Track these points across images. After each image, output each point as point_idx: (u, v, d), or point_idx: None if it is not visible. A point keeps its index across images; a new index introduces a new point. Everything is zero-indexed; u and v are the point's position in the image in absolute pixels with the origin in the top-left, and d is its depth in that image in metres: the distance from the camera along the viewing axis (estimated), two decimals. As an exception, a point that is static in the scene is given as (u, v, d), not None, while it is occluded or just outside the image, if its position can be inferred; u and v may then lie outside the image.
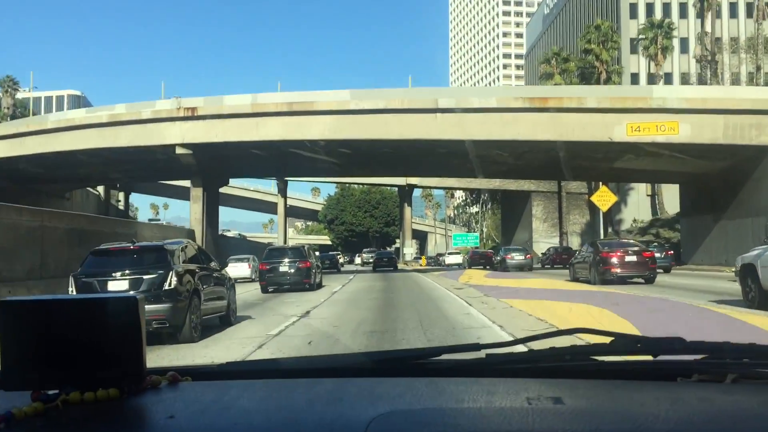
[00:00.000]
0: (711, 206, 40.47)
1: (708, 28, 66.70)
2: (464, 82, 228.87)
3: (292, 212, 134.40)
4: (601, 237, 51.63)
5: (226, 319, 14.56)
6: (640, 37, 70.48)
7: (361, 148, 40.16)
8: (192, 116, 40.71)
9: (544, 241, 75.51)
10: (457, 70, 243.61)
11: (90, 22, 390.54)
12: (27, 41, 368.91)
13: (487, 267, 52.48)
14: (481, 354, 1.90)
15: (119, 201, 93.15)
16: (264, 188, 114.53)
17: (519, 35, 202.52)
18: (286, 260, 27.36)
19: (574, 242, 75.91)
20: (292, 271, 27.12)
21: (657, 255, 28.97)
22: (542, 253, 61.77)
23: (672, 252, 41.13)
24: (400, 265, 72.75)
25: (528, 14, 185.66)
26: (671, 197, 66.03)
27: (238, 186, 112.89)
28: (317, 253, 73.57)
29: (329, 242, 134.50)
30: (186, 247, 13.56)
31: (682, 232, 47.90)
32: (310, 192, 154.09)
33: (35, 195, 49.18)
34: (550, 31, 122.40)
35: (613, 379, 1.78)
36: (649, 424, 1.38)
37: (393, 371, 1.91)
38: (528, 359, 1.98)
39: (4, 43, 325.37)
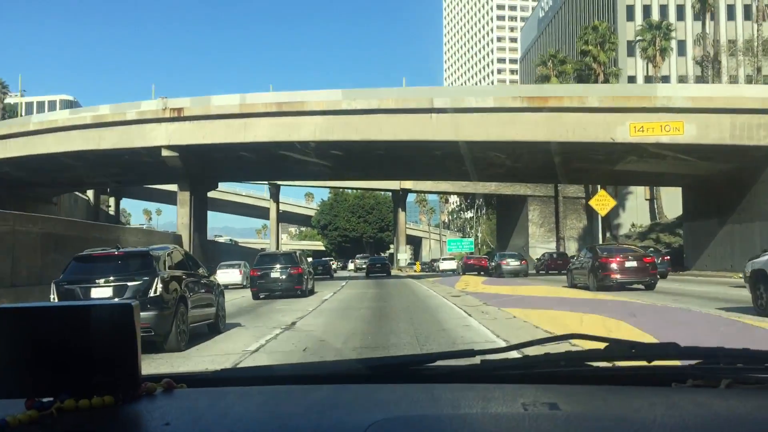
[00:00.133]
0: (716, 210, 39.10)
1: (708, 30, 65.58)
2: (459, 86, 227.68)
3: (285, 218, 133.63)
4: (600, 242, 50.51)
5: (215, 327, 14.24)
6: (638, 38, 69.31)
7: (354, 150, 38.73)
8: (178, 117, 39.27)
9: (540, 246, 74.40)
10: (452, 74, 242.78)
11: (82, 26, 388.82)
12: (19, 46, 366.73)
13: (481, 273, 51.86)
14: (476, 360, 1.95)
15: (109, 206, 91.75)
16: (256, 193, 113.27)
17: (513, 39, 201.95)
18: (278, 266, 27.05)
19: (572, 247, 74.80)
20: (284, 277, 26.80)
21: (653, 260, 27.63)
22: (537, 259, 60.63)
23: (668, 257, 39.94)
24: (394, 271, 71.94)
25: (522, 18, 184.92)
26: (670, 201, 65.02)
27: (230, 191, 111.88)
28: (310, 259, 73.09)
29: (323, 248, 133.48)
30: (172, 252, 13.28)
31: (684, 236, 46.51)
32: (303, 197, 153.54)
33: (20, 200, 47.65)
34: (545, 35, 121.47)
35: (609, 385, 1.80)
36: (645, 430, 1.40)
37: (388, 378, 1.90)
38: (523, 365, 1.89)
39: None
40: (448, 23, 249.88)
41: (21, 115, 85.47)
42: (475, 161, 38.78)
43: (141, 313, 9.45)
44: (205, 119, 38.82)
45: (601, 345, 1.85)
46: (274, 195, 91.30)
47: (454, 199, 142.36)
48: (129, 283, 11.57)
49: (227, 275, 39.37)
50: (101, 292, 11.51)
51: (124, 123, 40.66)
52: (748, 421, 1.48)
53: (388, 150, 38.28)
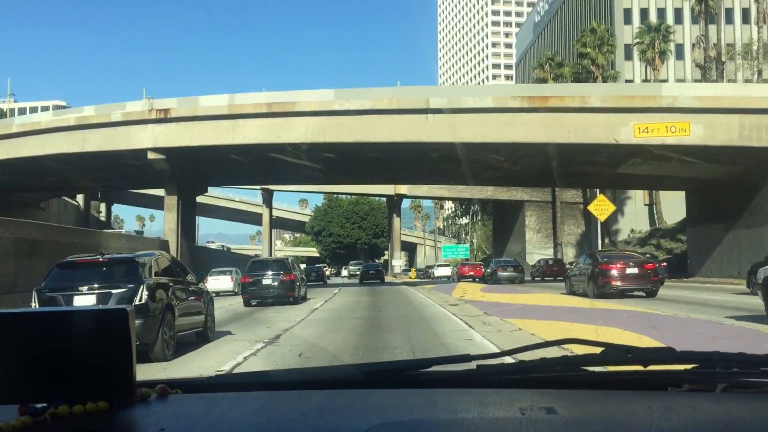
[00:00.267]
0: (722, 214, 37.75)
1: (709, 32, 64.47)
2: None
3: (278, 224, 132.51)
4: (599, 248, 49.39)
5: (204, 336, 13.89)
6: (637, 41, 68.22)
7: (347, 152, 37.32)
8: (165, 118, 37.86)
9: (537, 252, 73.21)
10: (447, 80, 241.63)
11: (73, 31, 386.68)
12: (10, 52, 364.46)
13: (476, 280, 51.15)
14: (472, 365, 1.92)
15: (100, 212, 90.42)
16: (250, 199, 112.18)
17: (508, 45, 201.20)
18: (270, 273, 26.59)
19: (569, 253, 73.65)
20: (276, 284, 26.31)
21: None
22: (533, 266, 59.65)
23: (665, 264, 38.76)
24: (389, 278, 70.76)
25: (517, 24, 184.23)
26: (670, 206, 63.87)
27: (223, 197, 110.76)
28: (303, 266, 72.10)
29: (317, 254, 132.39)
30: (158, 259, 12.96)
31: (688, 242, 45.13)
32: (297, 203, 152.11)
33: (6, 205, 46.38)
34: (541, 39, 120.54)
35: (605, 389, 1.79)
36: None
37: (384, 383, 1.91)
38: (519, 370, 1.93)
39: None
40: (443, 29, 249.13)
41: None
42: (472, 164, 37.44)
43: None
44: (193, 120, 37.43)
45: (597, 350, 1.86)
46: (267, 201, 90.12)
47: (449, 205, 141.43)
48: (113, 291, 11.28)
49: (218, 282, 38.91)
50: (84, 299, 11.24)
51: (109, 125, 39.31)
52: (745, 425, 1.48)
53: (383, 152, 36.91)
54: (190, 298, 13.36)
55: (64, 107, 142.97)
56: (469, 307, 21.06)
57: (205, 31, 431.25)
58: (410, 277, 76.74)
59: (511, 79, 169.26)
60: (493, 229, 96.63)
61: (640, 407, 1.61)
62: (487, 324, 15.50)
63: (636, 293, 24.11)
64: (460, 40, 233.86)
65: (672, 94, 31.58)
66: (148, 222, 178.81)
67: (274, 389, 1.93)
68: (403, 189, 78.12)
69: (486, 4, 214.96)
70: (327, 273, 73.49)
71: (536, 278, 52.46)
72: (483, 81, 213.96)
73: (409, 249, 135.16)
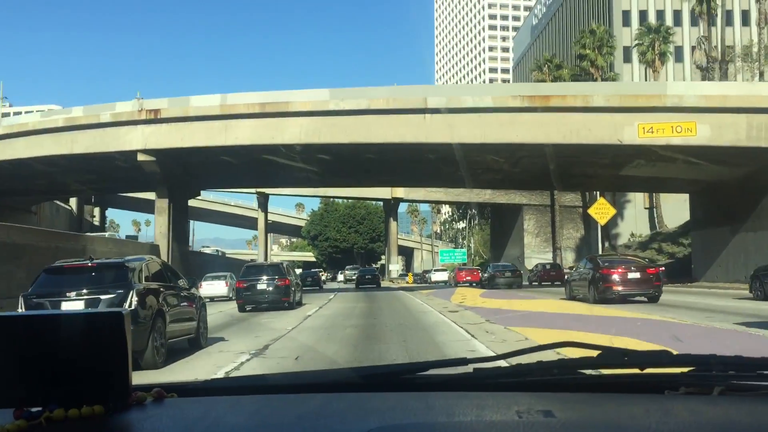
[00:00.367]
0: (727, 217, 36.68)
1: (711, 33, 63.58)
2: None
3: (274, 228, 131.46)
4: (599, 252, 48.49)
5: (196, 342, 13.63)
6: (637, 42, 67.33)
7: (342, 153, 36.26)
8: (155, 119, 36.81)
9: (536, 256, 72.29)
10: (444, 84, 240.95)
11: (66, 35, 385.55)
12: (6, 55, 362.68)
13: (473, 285, 50.49)
14: (469, 368, 1.93)
15: (94, 216, 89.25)
16: (245, 203, 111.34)
17: (505, 49, 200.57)
18: (264, 278, 26.33)
19: (569, 258, 72.77)
20: (270, 289, 26.06)
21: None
22: (530, 270, 58.85)
23: (663, 268, 37.78)
24: (386, 283, 69.89)
25: (514, 28, 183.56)
26: (671, 210, 63.03)
27: (218, 201, 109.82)
28: (299, 271, 71.23)
29: (313, 259, 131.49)
30: (149, 263, 12.73)
31: (692, 246, 44.05)
32: (294, 207, 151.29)
33: (-4, 209, 45.51)
34: (538, 42, 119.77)
35: (602, 392, 1.80)
36: None
37: (381, 386, 1.90)
38: (516, 373, 1.90)
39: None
40: (440, 33, 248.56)
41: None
42: (471, 166, 36.43)
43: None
44: (184, 121, 36.39)
45: (594, 353, 1.85)
46: (263, 205, 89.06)
47: (446, 210, 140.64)
48: (102, 297, 11.04)
49: (213, 287, 38.63)
50: (72, 305, 10.89)
51: (98, 126, 38.27)
52: (741, 428, 1.49)
53: (379, 154, 35.85)
54: (181, 304, 13.05)
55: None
56: (470, 314, 20.04)
57: (198, 32, 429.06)
58: (407, 282, 75.82)
59: (509, 83, 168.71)
60: (491, 234, 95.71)
61: (638, 410, 1.62)
62: (490, 333, 14.49)
63: (637, 298, 23.57)
64: (457, 45, 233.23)
65: (677, 93, 30.55)
66: (144, 227, 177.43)
67: (270, 393, 1.91)
68: (399, 192, 77.25)
69: (483, 8, 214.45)
70: (323, 278, 72.84)
71: (534, 283, 51.91)
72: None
73: (406, 253, 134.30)
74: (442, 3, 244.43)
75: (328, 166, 39.34)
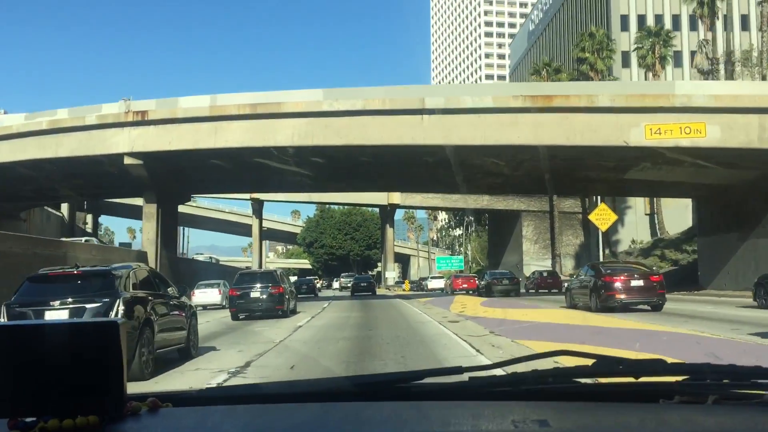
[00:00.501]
0: (736, 223, 35.31)
1: (710, 36, 62.50)
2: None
3: (270, 235, 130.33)
4: (599, 259, 47.26)
5: (186, 352, 13.30)
6: (637, 46, 66.21)
7: (337, 156, 34.89)
8: (142, 121, 35.46)
9: (535, 263, 71.01)
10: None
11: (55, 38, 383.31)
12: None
13: (470, 292, 50.00)
14: (464, 377, 1.94)
15: (86, 224, 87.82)
16: (240, 210, 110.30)
17: (501, 56, 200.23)
18: (258, 285, 26.01)
19: (568, 265, 71.61)
20: (264, 297, 25.73)
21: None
22: (527, 277, 57.85)
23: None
24: (382, 291, 68.75)
25: (510, 35, 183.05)
26: (672, 216, 61.96)
27: (213, 208, 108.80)
28: (294, 278, 70.02)
29: (309, 266, 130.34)
30: (137, 271, 12.42)
31: (699, 253, 42.67)
32: (290, 214, 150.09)
33: (-18, 215, 44.26)
34: (536, 48, 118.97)
35: (597, 401, 1.80)
36: None
37: (377, 395, 1.90)
38: (511, 382, 1.91)
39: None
40: (436, 41, 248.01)
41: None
42: (470, 169, 35.14)
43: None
44: (172, 123, 35.04)
45: (589, 361, 1.86)
46: (257, 211, 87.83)
47: (442, 216, 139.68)
48: (87, 306, 10.74)
49: (205, 295, 38.14)
50: (56, 315, 10.61)
51: (84, 128, 36.93)
52: None
53: (375, 157, 34.47)
54: (171, 313, 12.73)
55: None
56: (472, 325, 18.70)
57: (187, 31, 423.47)
58: (404, 290, 74.64)
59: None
60: (488, 241, 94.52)
61: (633, 419, 1.62)
62: (497, 347, 13.14)
63: (641, 307, 22.88)
64: (453, 51, 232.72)
65: (686, 92, 29.22)
66: (139, 234, 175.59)
67: (265, 402, 1.89)
68: (396, 198, 76.08)
69: (479, 15, 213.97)
70: (318, 285, 71.96)
71: (530, 290, 51.04)
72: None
73: (403, 261, 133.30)
74: (438, 10, 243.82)
75: (322, 169, 37.95)
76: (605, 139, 29.69)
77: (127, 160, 35.89)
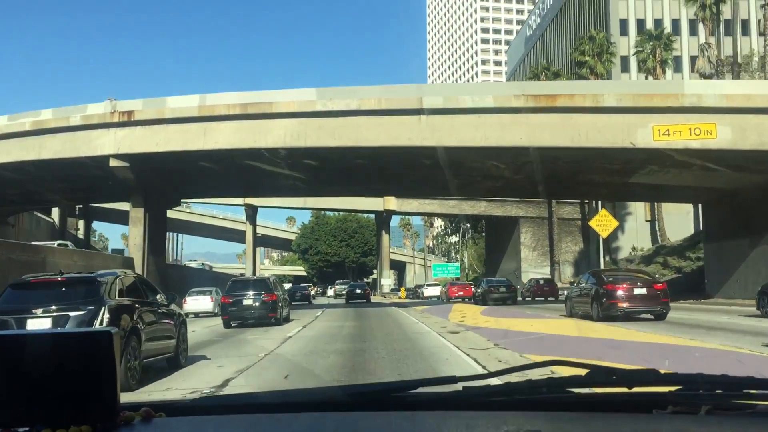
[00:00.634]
0: (746, 229, 33.89)
1: (712, 40, 61.38)
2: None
3: (264, 242, 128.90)
4: (598, 266, 46.17)
5: (175, 361, 12.96)
6: (637, 49, 65.07)
7: (331, 158, 33.52)
8: (128, 121, 34.10)
9: (534, 271, 69.81)
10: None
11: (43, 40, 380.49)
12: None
13: (466, 300, 49.46)
14: (458, 386, 1.94)
15: (78, 230, 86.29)
16: (234, 216, 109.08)
17: (497, 63, 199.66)
18: (251, 293, 25.63)
19: (567, 272, 70.43)
20: (257, 304, 25.32)
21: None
22: (524, 284, 56.84)
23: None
24: (378, 298, 67.57)
25: (506, 42, 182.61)
26: (672, 222, 60.84)
27: (207, 214, 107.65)
28: (288, 285, 68.88)
29: (304, 273, 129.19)
30: (123, 278, 12.07)
31: (706, 260, 41.28)
32: (285, 221, 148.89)
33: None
34: (533, 53, 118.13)
35: (590, 411, 1.82)
36: None
37: (371, 405, 1.91)
38: (505, 391, 1.91)
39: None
40: (432, 47, 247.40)
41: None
42: (469, 172, 33.87)
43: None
44: (159, 123, 33.69)
45: (583, 371, 1.86)
46: (251, 217, 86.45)
47: (438, 223, 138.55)
48: (71, 313, 10.46)
49: (197, 303, 37.66)
50: (39, 323, 10.34)
51: (68, 129, 35.58)
52: None
53: (370, 159, 33.11)
54: (159, 321, 12.43)
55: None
56: (474, 337, 17.34)
57: (176, 30, 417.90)
58: (400, 297, 73.36)
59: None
60: (485, 247, 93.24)
61: (626, 430, 1.63)
62: (505, 362, 11.81)
63: (644, 316, 22.21)
64: (449, 58, 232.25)
65: (696, 92, 27.89)
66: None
67: (259, 412, 1.90)
68: (392, 204, 74.78)
69: (475, 21, 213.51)
70: (312, 293, 70.95)
71: (526, 298, 50.25)
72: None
73: (398, 268, 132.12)
74: (434, 18, 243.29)
75: (316, 172, 36.56)
76: (611, 141, 28.40)
77: (113, 162, 34.55)
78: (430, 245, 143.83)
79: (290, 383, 10.15)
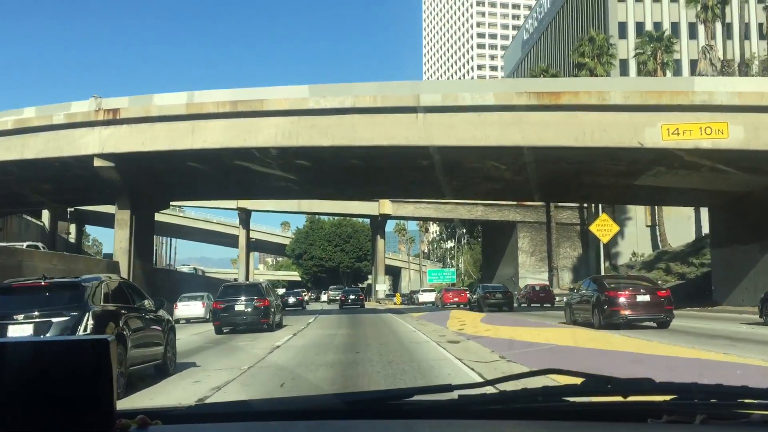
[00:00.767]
0: (757, 233, 32.52)
1: (713, 42, 60.32)
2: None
3: (258, 247, 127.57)
4: (598, 272, 45.13)
5: (163, 369, 12.62)
6: (638, 51, 64.05)
7: (324, 159, 32.16)
8: (114, 120, 32.75)
9: (531, 276, 68.46)
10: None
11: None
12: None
13: (461, 306, 49.07)
14: (454, 395, 1.92)
15: (69, 233, 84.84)
16: (227, 220, 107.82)
17: (493, 68, 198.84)
18: (243, 298, 25.27)
19: (565, 278, 69.24)
20: (249, 310, 24.95)
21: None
22: (520, 290, 55.84)
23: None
24: (372, 304, 66.38)
25: (502, 47, 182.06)
26: (673, 227, 59.73)
27: (200, 218, 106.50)
28: (282, 290, 67.78)
29: (299, 278, 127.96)
30: (109, 283, 11.84)
31: (713, 266, 39.91)
32: (279, 226, 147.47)
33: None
34: (530, 57, 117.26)
35: (586, 420, 1.81)
36: None
37: (367, 413, 1.89)
38: (501, 400, 1.93)
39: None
40: (428, 52, 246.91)
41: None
42: (468, 173, 32.54)
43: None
44: (146, 122, 32.35)
45: (578, 380, 1.86)
46: (244, 221, 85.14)
47: (434, 229, 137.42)
48: (54, 319, 10.21)
49: (188, 308, 37.24)
50: (20, 329, 10.11)
51: (51, 128, 34.20)
52: None
53: (365, 159, 31.76)
54: (146, 327, 12.16)
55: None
56: (476, 347, 16.01)
57: (164, 25, 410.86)
58: (395, 303, 72.10)
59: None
60: (482, 253, 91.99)
61: None
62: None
63: (647, 324, 21.53)
64: (445, 63, 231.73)
65: (707, 89, 26.59)
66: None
67: (255, 420, 1.89)
68: (387, 208, 73.52)
69: (471, 26, 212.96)
70: (306, 298, 70.02)
71: (522, 305, 49.38)
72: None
73: (394, 273, 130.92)
74: (430, 22, 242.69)
75: (309, 173, 35.20)
76: (617, 140, 27.11)
77: (97, 162, 33.21)
78: (426, 251, 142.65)
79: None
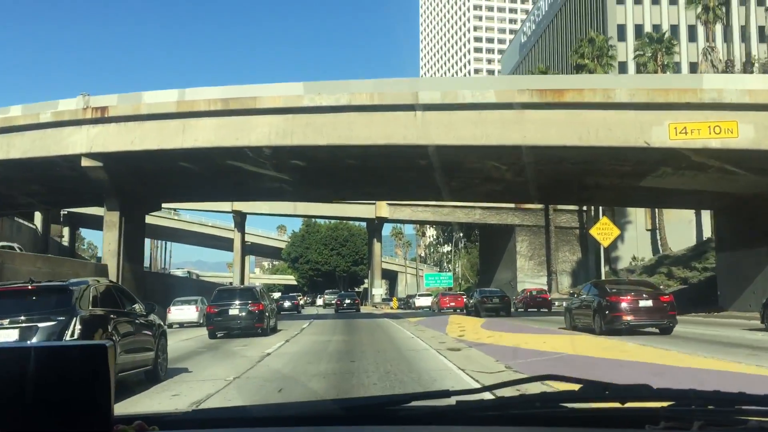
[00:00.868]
0: (765, 237, 31.63)
1: (712, 43, 59.57)
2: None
3: (254, 250, 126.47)
4: (601, 276, 44.19)
5: (154, 375, 12.34)
6: (638, 53, 63.29)
7: (319, 158, 31.16)
8: (102, 118, 31.75)
9: (530, 281, 67.58)
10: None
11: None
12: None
13: (457, 310, 48.66)
14: (452, 401, 1.91)
15: (62, 236, 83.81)
16: (222, 223, 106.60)
17: (490, 72, 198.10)
18: (237, 302, 25.10)
19: (564, 282, 68.40)
20: (243, 314, 24.77)
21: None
22: (518, 294, 55.13)
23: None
24: (369, 308, 65.61)
25: (499, 51, 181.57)
26: (673, 231, 59.02)
27: (195, 221, 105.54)
28: (277, 294, 67.12)
29: (295, 282, 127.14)
30: (98, 286, 11.46)
31: (718, 270, 38.98)
32: (275, 229, 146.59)
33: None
34: (528, 60, 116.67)
35: (583, 426, 1.80)
36: None
37: (364, 419, 1.87)
38: (499, 406, 1.91)
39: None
40: (425, 56, 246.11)
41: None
42: (468, 174, 31.59)
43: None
44: (135, 120, 31.36)
45: (576, 386, 1.85)
46: (239, 224, 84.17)
47: (431, 233, 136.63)
48: (40, 324, 9.96)
49: (182, 312, 37.03)
50: (4, 334, 9.74)
51: (38, 126, 33.20)
52: None
53: (361, 159, 30.76)
54: (136, 332, 11.97)
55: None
56: (479, 356, 15.00)
57: (154, 21, 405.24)
58: (392, 308, 71.13)
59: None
60: (479, 257, 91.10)
61: None
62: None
63: (649, 329, 21.22)
64: (442, 67, 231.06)
65: (716, 87, 25.63)
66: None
67: (252, 425, 1.87)
68: (384, 211, 72.56)
69: (468, 30, 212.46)
70: (301, 302, 69.48)
71: (519, 309, 49.11)
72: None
73: (390, 277, 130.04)
74: (427, 26, 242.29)
75: (303, 174, 34.18)
76: (623, 140, 26.17)
77: (85, 162, 32.23)
78: (422, 254, 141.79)
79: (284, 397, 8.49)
